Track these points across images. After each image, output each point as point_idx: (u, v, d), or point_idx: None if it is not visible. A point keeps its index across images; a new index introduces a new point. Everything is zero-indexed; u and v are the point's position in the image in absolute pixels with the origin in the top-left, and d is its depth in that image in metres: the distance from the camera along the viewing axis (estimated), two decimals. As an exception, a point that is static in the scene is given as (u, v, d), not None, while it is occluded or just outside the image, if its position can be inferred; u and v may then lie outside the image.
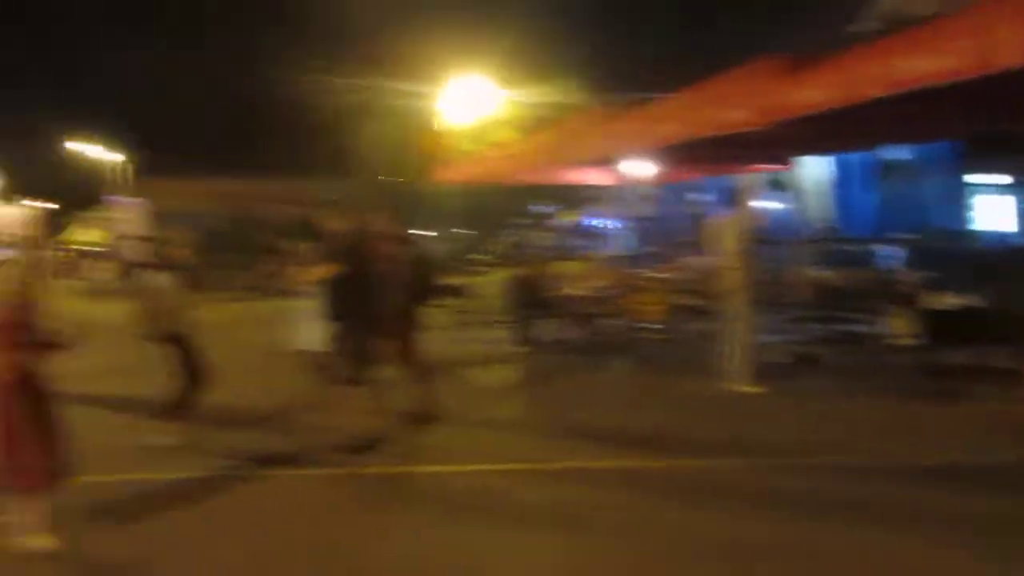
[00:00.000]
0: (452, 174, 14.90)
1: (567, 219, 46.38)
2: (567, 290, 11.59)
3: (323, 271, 6.91)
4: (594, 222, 39.28)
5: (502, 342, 11.98)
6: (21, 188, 63.56)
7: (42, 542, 4.67)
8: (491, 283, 15.05)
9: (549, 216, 50.95)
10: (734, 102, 6.37)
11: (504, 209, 43.09)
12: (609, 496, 5.58)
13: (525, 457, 6.45)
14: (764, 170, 13.27)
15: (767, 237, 11.24)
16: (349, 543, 4.86)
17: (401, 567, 4.53)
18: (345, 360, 6.82)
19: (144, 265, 7.56)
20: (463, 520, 5.20)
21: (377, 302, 7.10)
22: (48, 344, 4.94)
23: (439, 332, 13.51)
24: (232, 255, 30.51)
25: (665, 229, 21.92)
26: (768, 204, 19.58)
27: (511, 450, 6.73)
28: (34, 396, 4.83)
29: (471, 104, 31.52)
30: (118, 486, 5.95)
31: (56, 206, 65.06)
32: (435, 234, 31.66)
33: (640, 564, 4.56)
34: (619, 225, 31.51)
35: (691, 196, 24.19)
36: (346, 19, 39.92)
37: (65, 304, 10.08)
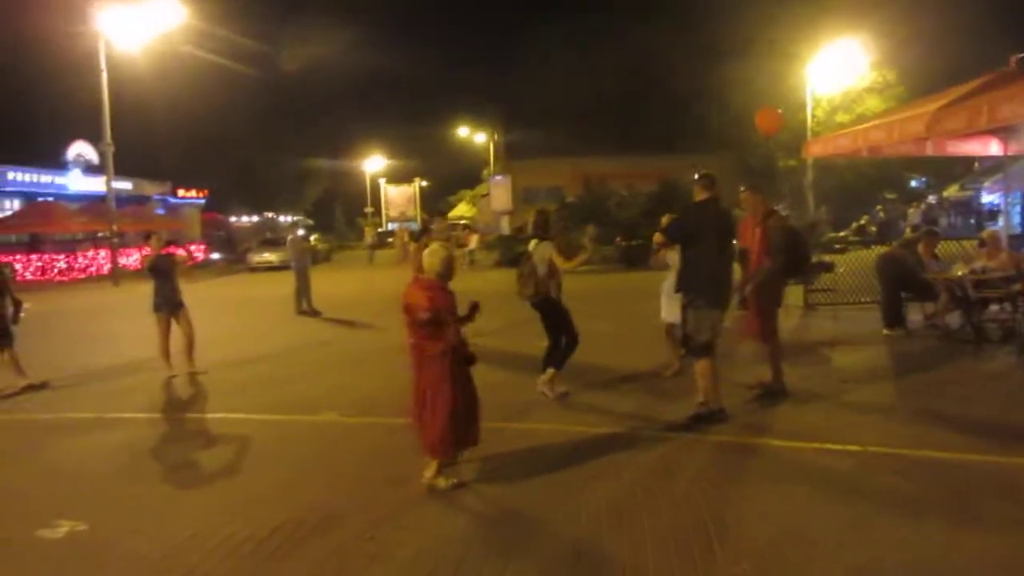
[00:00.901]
0: (820, 148, 14.31)
1: (947, 194, 41.96)
2: (948, 271, 10.62)
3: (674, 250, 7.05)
4: (985, 197, 35.11)
5: (872, 323, 11.41)
6: (413, 170, 71.98)
7: (443, 483, 5.47)
8: (862, 261, 14.27)
9: (923, 191, 46.51)
10: None
11: (874, 183, 40.18)
12: (959, 487, 5.18)
13: (882, 441, 6.15)
14: None
15: None
16: (699, 503, 5.07)
17: (743, 525, 4.65)
18: (694, 333, 6.97)
19: (522, 236, 8.39)
20: (801, 494, 5.17)
21: (731, 277, 7.15)
22: (465, 316, 5.61)
23: (806, 309, 13.30)
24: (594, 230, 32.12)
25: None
26: None
27: (861, 432, 6.43)
28: (456, 368, 5.47)
29: (842, 73, 29.88)
30: (507, 434, 6.81)
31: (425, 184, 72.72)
32: (793, 211, 30.37)
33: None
34: (1009, 201, 27.96)
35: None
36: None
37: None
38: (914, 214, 36.19)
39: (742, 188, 7.79)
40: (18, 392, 9.25)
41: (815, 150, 14.71)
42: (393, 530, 4.82)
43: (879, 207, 41.07)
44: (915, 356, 9.65)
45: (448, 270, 5.59)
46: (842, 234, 31.60)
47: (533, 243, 7.96)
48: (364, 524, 4.90)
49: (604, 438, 6.58)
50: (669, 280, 8.35)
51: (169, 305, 9.96)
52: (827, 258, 14.86)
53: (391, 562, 4.40)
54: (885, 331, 10.92)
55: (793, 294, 11.30)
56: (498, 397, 7.65)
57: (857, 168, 35.78)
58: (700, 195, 6.95)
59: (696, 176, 7.10)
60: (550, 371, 7.92)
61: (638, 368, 9.20)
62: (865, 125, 12.50)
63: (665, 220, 8.54)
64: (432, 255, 5.59)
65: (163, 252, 10.27)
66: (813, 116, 29.54)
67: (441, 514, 5.07)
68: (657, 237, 7.30)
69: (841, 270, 13.94)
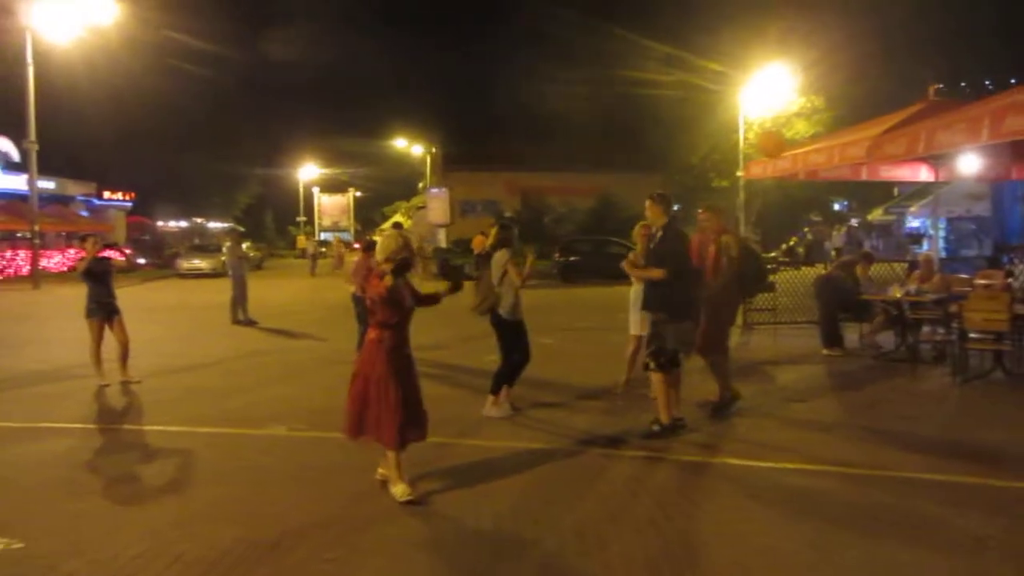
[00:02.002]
0: (760, 170, 14.63)
1: (871, 218, 43.47)
2: (885, 293, 10.94)
3: (653, 271, 7.06)
4: (911, 222, 36.47)
5: (811, 342, 11.67)
6: (348, 179, 71.19)
7: (402, 492, 5.37)
8: (796, 281, 14.62)
9: (846, 214, 48.11)
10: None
11: (802, 205, 41.36)
12: (915, 505, 5.30)
13: (835, 459, 6.25)
14: None
15: None
16: (664, 524, 5.05)
17: (711, 547, 4.65)
18: (656, 348, 7.01)
19: (484, 252, 8.31)
20: (763, 513, 5.20)
21: (696, 294, 7.24)
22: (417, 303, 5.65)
23: (745, 328, 13.54)
24: (529, 245, 32.27)
25: (1000, 230, 19.86)
26: None
27: (813, 449, 6.57)
28: (402, 361, 5.53)
29: (772, 97, 30.70)
30: (460, 449, 6.72)
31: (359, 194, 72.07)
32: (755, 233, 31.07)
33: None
34: (938, 224, 29.14)
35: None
36: (646, 14, 40.44)
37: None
38: (837, 236, 37.41)
39: (700, 209, 7.91)
40: (-63, 400, 8.75)
41: (755, 171, 15.06)
42: (352, 550, 4.66)
43: (806, 229, 42.30)
44: (855, 375, 9.88)
45: (395, 254, 5.56)
46: (772, 255, 32.41)
47: (497, 253, 7.89)
48: (322, 544, 4.73)
49: (560, 455, 6.52)
50: (637, 294, 8.27)
51: (104, 311, 9.55)
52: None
53: (353, 584, 4.25)
54: (824, 351, 11.18)
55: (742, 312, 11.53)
56: (449, 411, 7.55)
57: (785, 190, 36.79)
58: (661, 216, 7.07)
59: (654, 196, 7.16)
60: (493, 397, 7.81)
61: (587, 383, 9.20)
62: (805, 149, 12.85)
63: (639, 230, 8.32)
64: (387, 239, 5.77)
65: (99, 255, 9.85)
66: (745, 139, 30.26)
67: (401, 533, 4.92)
68: (656, 273, 7.15)
69: (777, 290, 14.26)
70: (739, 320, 13.48)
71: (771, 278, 15.42)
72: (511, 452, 6.61)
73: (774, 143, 12.69)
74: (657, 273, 6.98)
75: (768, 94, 30.13)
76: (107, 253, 10.48)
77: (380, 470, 5.66)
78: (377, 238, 12.46)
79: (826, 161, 11.60)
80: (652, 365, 7.00)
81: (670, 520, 5.09)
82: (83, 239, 10.24)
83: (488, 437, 7.10)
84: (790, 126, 35.72)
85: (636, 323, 8.45)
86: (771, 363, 10.68)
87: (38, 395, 9.20)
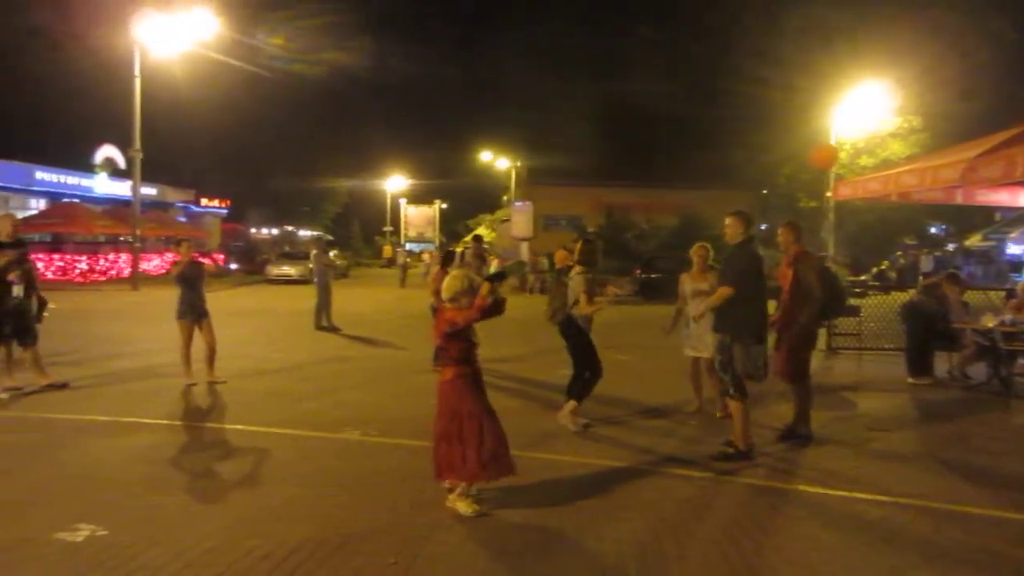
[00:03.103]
0: (850, 190, 14.23)
1: (969, 243, 41.70)
2: (977, 321, 10.49)
3: (722, 292, 6.96)
4: (1011, 248, 34.88)
5: (896, 370, 11.28)
6: (434, 190, 72.22)
7: (466, 508, 5.41)
8: (884, 306, 14.15)
9: (943, 238, 46.28)
10: None
11: (895, 228, 40.01)
12: (991, 544, 5.07)
13: (912, 492, 6.03)
14: None
15: None
16: (728, 547, 4.97)
17: (779, 574, 4.56)
18: (727, 372, 6.91)
19: (565, 267, 8.39)
20: (833, 543, 5.06)
21: (765, 316, 7.08)
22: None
23: (828, 352, 13.19)
24: (612, 261, 32.15)
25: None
26: None
27: (889, 481, 6.33)
28: (477, 392, 5.50)
29: (866, 117, 29.87)
30: (528, 462, 6.74)
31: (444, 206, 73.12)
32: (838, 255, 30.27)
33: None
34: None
35: None
36: (736, 32, 39.91)
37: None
38: (926, 261, 36.01)
39: (780, 227, 7.75)
40: (39, 390, 9.26)
41: (844, 192, 14.63)
42: (414, 556, 4.73)
43: (899, 252, 40.87)
44: (942, 406, 9.51)
45: (462, 299, 5.50)
46: (862, 278, 31.43)
47: (575, 270, 7.95)
48: (387, 547, 4.82)
49: (628, 473, 6.49)
50: (695, 313, 8.27)
51: (194, 313, 9.96)
52: (852, 302, 14.74)
53: (415, 589, 4.32)
54: (910, 379, 10.78)
55: (825, 337, 11.19)
56: (518, 424, 7.57)
57: (878, 212, 35.65)
58: (740, 234, 6.96)
59: (735, 214, 7.06)
60: (571, 403, 7.85)
61: (661, 402, 9.12)
62: (898, 170, 12.47)
63: (697, 250, 8.56)
64: (452, 279, 5.62)
65: (193, 259, 10.28)
66: (837, 157, 29.44)
67: (465, 541, 4.99)
68: (723, 292, 6.98)
69: (863, 315, 13.84)
70: (822, 344, 13.19)
71: (858, 302, 15.02)
72: (578, 467, 6.61)
73: (826, 155, 12.39)
74: (724, 292, 6.87)
75: (862, 113, 29.30)
76: (200, 258, 10.93)
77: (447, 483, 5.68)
78: (458, 248, 12.67)
79: (918, 183, 11.20)
80: (732, 391, 6.90)
81: (735, 544, 5.00)
82: (178, 243, 10.70)
83: (557, 451, 7.11)
84: (885, 146, 34.70)
85: (690, 344, 8.45)
86: (852, 389, 10.37)
87: (130, 391, 9.65)
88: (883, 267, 35.86)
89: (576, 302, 7.78)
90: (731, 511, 5.64)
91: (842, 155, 29.90)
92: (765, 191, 41.86)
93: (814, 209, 34.87)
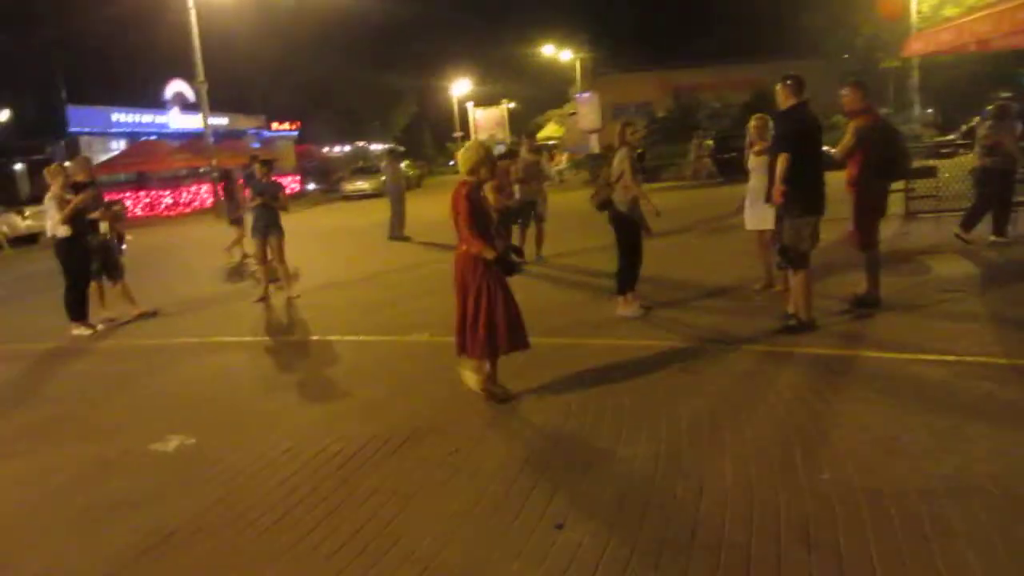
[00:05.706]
0: (921, 45, 13.40)
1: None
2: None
3: (780, 162, 6.72)
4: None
5: (978, 230, 10.85)
6: (500, 92, 71.25)
7: (473, 382, 5.70)
8: (967, 166, 13.49)
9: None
10: None
11: (986, 82, 37.61)
12: None
13: (978, 350, 5.91)
14: None
15: None
16: (784, 416, 5.03)
17: (830, 437, 4.58)
18: (782, 245, 6.82)
19: (602, 152, 8.33)
20: (890, 405, 5.05)
21: (815, 186, 6.82)
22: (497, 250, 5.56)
23: (906, 217, 12.77)
24: (678, 144, 31.44)
25: None
26: None
27: (956, 342, 6.18)
28: (487, 267, 5.53)
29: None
30: (591, 347, 6.89)
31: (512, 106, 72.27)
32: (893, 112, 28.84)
33: None
34: None
35: None
36: None
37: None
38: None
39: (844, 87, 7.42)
40: (132, 320, 9.85)
41: (916, 47, 13.80)
42: (477, 445, 4.97)
43: (989, 107, 38.54)
44: (1021, 265, 9.15)
45: (480, 169, 5.53)
46: (950, 137, 29.85)
47: (620, 152, 7.90)
48: (450, 440, 5.07)
49: (689, 352, 6.57)
50: (753, 188, 8.16)
51: (269, 230, 10.27)
52: (931, 163, 14.13)
53: (474, 474, 4.55)
54: (992, 238, 10.36)
55: (893, 202, 10.74)
56: (576, 315, 7.73)
57: (965, 66, 33.51)
58: (789, 100, 6.73)
59: (784, 80, 6.82)
60: (622, 297, 7.93)
61: (724, 282, 9.09)
62: (971, 17, 11.65)
63: (753, 123, 8.38)
64: (467, 151, 5.65)
65: (271, 180, 10.56)
66: (918, 12, 27.61)
67: (523, 430, 5.20)
68: (780, 163, 6.77)
69: (946, 175, 13.25)
70: (900, 209, 12.76)
71: (942, 163, 14.34)
72: (639, 349, 6.72)
73: (891, 3, 11.58)
74: (780, 162, 6.65)
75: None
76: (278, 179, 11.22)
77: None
78: (523, 148, 12.60)
79: (992, 29, 10.44)
80: (788, 263, 6.82)
81: (790, 411, 5.06)
82: (261, 163, 10.89)
83: (619, 336, 7.24)
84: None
85: (750, 218, 8.32)
86: (929, 253, 10.04)
87: (215, 314, 10.20)
88: (972, 124, 33.95)
89: (619, 179, 7.72)
90: (790, 380, 5.67)
91: (923, 7, 28.03)
92: (847, 55, 39.73)
93: (896, 69, 33.09)
